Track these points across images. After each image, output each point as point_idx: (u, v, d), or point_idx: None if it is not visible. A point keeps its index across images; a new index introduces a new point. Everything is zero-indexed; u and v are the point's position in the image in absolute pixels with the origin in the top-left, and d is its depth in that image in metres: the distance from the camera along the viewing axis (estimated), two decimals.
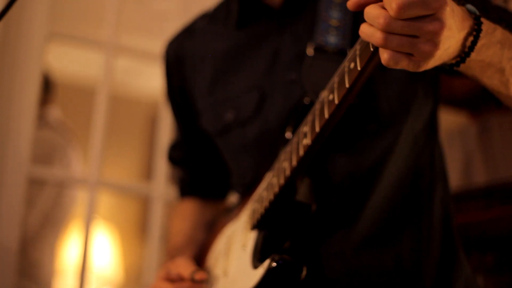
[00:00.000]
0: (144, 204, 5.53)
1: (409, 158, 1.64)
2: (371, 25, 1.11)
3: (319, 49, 1.64)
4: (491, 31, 1.25)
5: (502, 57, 1.28)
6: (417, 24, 1.07)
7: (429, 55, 1.10)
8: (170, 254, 1.92)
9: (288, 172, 1.48)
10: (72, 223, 5.42)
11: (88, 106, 3.30)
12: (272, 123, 1.69)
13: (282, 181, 1.50)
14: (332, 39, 1.65)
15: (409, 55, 1.10)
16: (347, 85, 1.24)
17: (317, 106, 1.39)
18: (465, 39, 1.18)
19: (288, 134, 1.61)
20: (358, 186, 1.61)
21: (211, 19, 1.94)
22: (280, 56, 1.73)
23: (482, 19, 1.20)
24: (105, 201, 5.51)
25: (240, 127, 1.75)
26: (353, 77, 1.22)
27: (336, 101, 1.29)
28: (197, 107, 1.89)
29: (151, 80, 5.82)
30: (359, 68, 1.20)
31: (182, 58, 1.93)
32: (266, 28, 1.78)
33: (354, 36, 1.64)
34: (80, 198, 3.77)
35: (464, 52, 1.19)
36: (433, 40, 1.09)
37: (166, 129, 3.28)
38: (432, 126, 1.72)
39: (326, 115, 1.33)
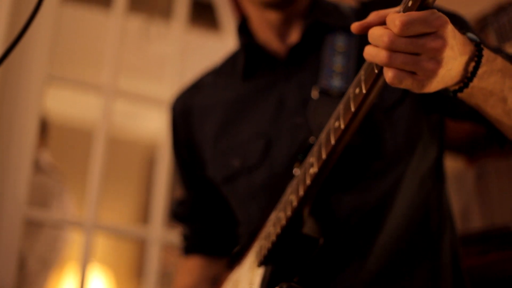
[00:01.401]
0: (140, 246, 5.51)
1: (417, 199, 1.65)
2: (375, 46, 1.14)
3: (323, 92, 1.67)
4: (492, 59, 1.27)
5: (503, 85, 1.30)
6: (420, 41, 1.10)
7: (433, 73, 1.13)
8: None
9: (295, 203, 1.48)
10: (68, 265, 5.41)
11: (86, 149, 3.31)
12: (278, 167, 1.70)
13: (289, 213, 1.50)
14: (336, 83, 1.68)
15: (412, 74, 1.12)
16: (352, 109, 1.27)
17: (322, 135, 1.41)
18: (467, 64, 1.21)
19: (295, 171, 1.62)
20: (365, 223, 1.62)
21: (217, 74, 1.97)
22: (285, 103, 1.75)
23: (483, 46, 1.23)
24: (101, 243, 5.48)
25: (247, 174, 1.76)
26: (359, 101, 1.25)
27: (342, 126, 1.31)
28: (203, 157, 1.90)
29: (149, 123, 5.85)
30: (364, 91, 1.22)
31: (190, 111, 1.95)
32: (272, 78, 1.81)
33: None
34: (76, 241, 3.76)
35: (467, 78, 1.22)
36: (436, 58, 1.12)
37: (163, 171, 3.28)
38: (438, 170, 1.73)
39: (333, 141, 1.35)
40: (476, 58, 1.21)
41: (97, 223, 3.06)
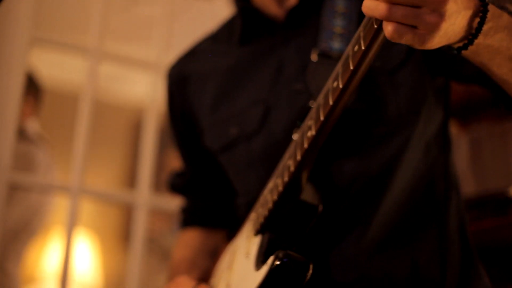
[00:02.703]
0: (126, 211, 5.49)
1: (422, 166, 1.61)
2: None
3: (323, 55, 1.62)
4: (497, 15, 1.22)
5: (510, 43, 1.25)
6: None
7: (435, 26, 1.08)
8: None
9: (292, 168, 1.43)
10: (53, 229, 5.39)
11: (72, 113, 3.26)
12: (278, 134, 1.65)
13: (286, 178, 1.45)
14: (337, 45, 1.62)
15: (413, 28, 1.08)
16: (351, 67, 1.21)
17: (321, 97, 1.36)
18: (471, 19, 1.16)
19: (295, 136, 1.56)
20: (367, 190, 1.57)
21: (214, 40, 1.92)
22: (284, 68, 1.70)
23: (488, 1, 1.18)
24: (87, 208, 5.46)
25: (245, 142, 1.71)
26: (358, 58, 1.20)
27: (341, 86, 1.26)
28: (200, 127, 1.85)
29: (136, 86, 5.79)
30: (363, 48, 1.17)
31: (186, 79, 1.90)
32: (269, 42, 1.76)
33: None
34: (61, 205, 3.72)
35: (471, 34, 1.17)
36: (439, 10, 1.07)
37: (150, 135, 3.24)
38: (444, 136, 1.69)
39: (331, 102, 1.29)
40: (481, 14, 1.16)
41: (83, 188, 3.02)
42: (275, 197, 1.49)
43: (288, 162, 1.46)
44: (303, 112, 1.55)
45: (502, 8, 1.39)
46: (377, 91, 1.58)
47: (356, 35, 1.21)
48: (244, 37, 1.80)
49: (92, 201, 5.05)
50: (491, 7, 1.17)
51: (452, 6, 1.08)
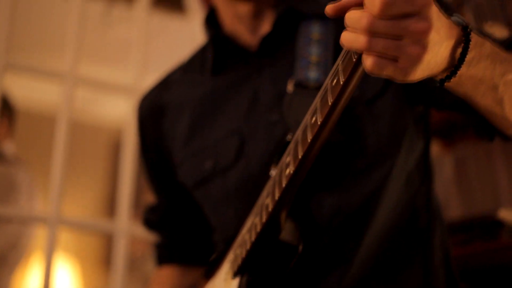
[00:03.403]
0: (107, 237, 5.42)
1: (404, 198, 1.55)
2: (353, 30, 1.02)
3: (299, 85, 1.55)
4: (480, 44, 1.16)
5: (493, 72, 1.19)
6: (402, 23, 0.99)
7: (417, 58, 1.01)
8: None
9: (270, 208, 1.35)
10: (34, 255, 5.31)
11: (49, 136, 3.20)
12: (254, 168, 1.59)
13: (264, 218, 1.37)
14: (313, 74, 1.56)
15: (395, 61, 1.01)
16: (330, 102, 1.13)
17: (299, 132, 1.28)
18: (454, 49, 1.10)
19: (272, 172, 1.49)
20: (348, 226, 1.51)
21: (186, 69, 1.85)
22: (259, 98, 1.64)
23: (473, 33, 1.12)
24: (66, 235, 5.38)
25: (220, 176, 1.64)
26: (336, 92, 1.11)
27: (319, 121, 1.17)
28: (174, 161, 1.78)
29: (113, 109, 5.74)
30: (341, 82, 1.09)
31: (158, 111, 1.83)
32: (243, 71, 1.70)
33: None
34: (41, 231, 3.66)
35: (454, 65, 1.11)
36: (421, 42, 1.01)
37: (128, 161, 3.17)
38: (425, 165, 1.64)
39: (309, 138, 1.21)
40: (463, 43, 1.10)
41: (61, 218, 2.95)
42: (253, 238, 1.41)
43: (266, 200, 1.39)
44: (280, 145, 1.50)
45: (484, 35, 1.35)
46: (355, 122, 1.52)
47: (334, 68, 1.14)
48: (217, 67, 1.74)
49: (70, 230, 4.99)
50: (473, 36, 1.12)
51: (435, 37, 1.03)
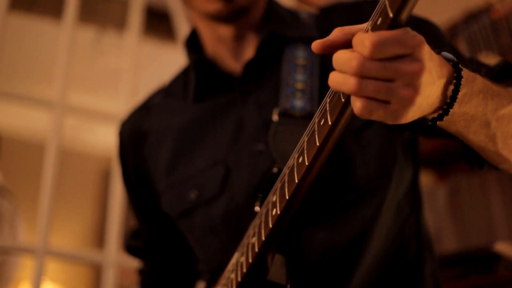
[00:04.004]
0: (96, 268, 5.36)
1: (393, 229, 1.51)
2: (341, 71, 0.98)
3: (284, 114, 1.51)
4: (471, 79, 1.12)
5: (486, 108, 1.16)
6: (394, 65, 0.94)
7: (409, 101, 0.96)
8: None
9: (257, 248, 1.31)
10: (21, 285, 5.24)
11: (38, 165, 3.16)
12: (239, 199, 1.54)
13: (250, 259, 1.33)
14: (299, 103, 1.52)
15: (385, 103, 0.97)
16: (317, 143, 1.09)
17: (285, 171, 1.23)
18: (445, 87, 1.05)
19: (257, 208, 1.45)
20: (338, 263, 1.46)
21: (167, 94, 1.79)
22: (244, 126, 1.59)
23: (461, 66, 1.08)
24: (55, 264, 5.32)
25: (205, 207, 1.59)
26: (324, 133, 1.08)
27: (307, 163, 1.13)
28: (156, 190, 1.73)
29: (103, 139, 5.69)
30: (330, 123, 1.05)
31: (139, 136, 1.78)
32: (227, 98, 1.65)
33: (322, 97, 1.49)
34: (28, 262, 3.60)
35: (447, 103, 1.07)
36: (413, 84, 0.96)
37: (118, 192, 3.13)
38: (415, 193, 1.59)
39: (296, 179, 1.17)
40: (454, 80, 1.06)
41: (48, 249, 2.89)
42: (239, 278, 1.36)
43: (252, 240, 1.34)
44: (265, 176, 1.47)
45: (477, 64, 1.31)
46: (344, 153, 1.48)
47: (321, 106, 1.10)
48: (199, 93, 1.69)
49: (59, 261, 4.93)
50: (464, 72, 1.09)
51: (427, 77, 0.98)
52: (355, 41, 0.95)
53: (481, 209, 2.41)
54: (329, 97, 1.07)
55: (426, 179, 2.71)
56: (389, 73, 0.94)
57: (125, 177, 1.84)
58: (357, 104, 0.96)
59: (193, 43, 1.74)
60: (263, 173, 1.50)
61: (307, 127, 1.30)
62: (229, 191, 1.56)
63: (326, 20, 1.66)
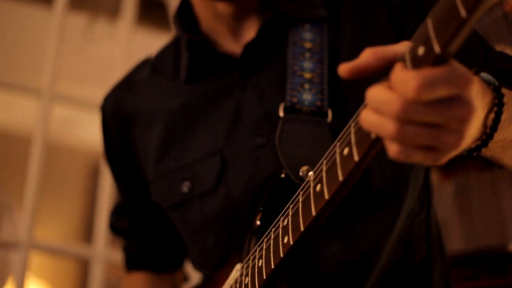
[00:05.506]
0: (83, 263, 5.29)
1: (403, 231, 1.40)
2: (376, 111, 0.84)
3: (291, 109, 1.37)
4: (510, 102, 1.01)
5: None
6: (442, 109, 0.80)
7: (454, 147, 0.83)
8: None
9: (264, 276, 1.18)
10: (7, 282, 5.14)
11: (24, 160, 3.07)
12: (237, 196, 1.42)
13: (256, 285, 1.21)
14: (306, 96, 1.38)
15: (426, 149, 0.84)
16: (340, 178, 0.96)
17: (300, 198, 1.10)
18: (486, 117, 0.95)
19: (257, 222, 1.33)
20: (349, 277, 1.35)
21: (155, 70, 1.64)
22: (242, 115, 1.46)
23: (503, 90, 0.98)
24: (40, 259, 5.22)
25: (198, 201, 1.48)
26: (349, 169, 0.94)
27: (327, 197, 1.00)
28: (145, 175, 1.61)
29: (93, 131, 5.60)
30: (356, 159, 0.92)
31: (125, 118, 1.64)
32: (223, 82, 1.51)
33: (332, 90, 1.39)
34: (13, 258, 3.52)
35: (486, 134, 0.97)
36: (461, 128, 0.82)
37: (107, 185, 3.05)
38: (426, 189, 1.48)
39: (313, 212, 1.04)
40: (496, 108, 0.96)
41: (34, 242, 2.80)
42: None
43: (259, 263, 1.21)
44: (270, 181, 1.34)
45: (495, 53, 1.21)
46: None
47: (345, 134, 0.96)
48: (192, 74, 1.55)
49: (46, 255, 4.85)
50: (506, 96, 0.98)
51: (475, 119, 0.85)
52: (396, 79, 0.82)
53: (491, 207, 2.33)
54: (355, 126, 0.93)
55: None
56: (435, 118, 0.81)
57: (108, 156, 1.73)
58: (393, 148, 0.84)
59: (184, 16, 1.59)
60: (264, 172, 1.38)
61: (315, 125, 1.19)
62: (225, 187, 1.45)
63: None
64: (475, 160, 2.34)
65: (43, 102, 2.90)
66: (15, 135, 5.53)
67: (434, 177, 2.58)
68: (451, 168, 2.51)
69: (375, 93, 0.84)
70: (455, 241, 2.37)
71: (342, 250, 1.35)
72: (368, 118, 0.85)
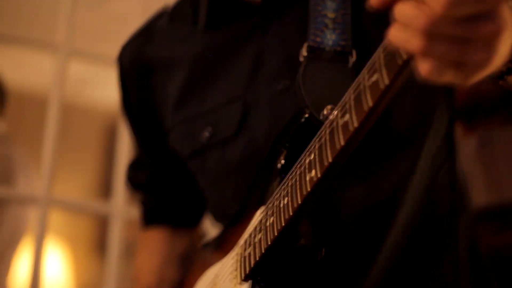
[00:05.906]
0: (100, 219, 5.32)
1: (426, 181, 1.37)
2: (404, 26, 0.83)
3: (314, 50, 1.35)
4: None
5: None
6: (471, 25, 0.80)
7: (484, 64, 0.83)
8: None
9: (290, 213, 1.16)
10: (24, 238, 5.18)
11: (42, 119, 3.06)
12: (259, 141, 1.41)
13: (282, 223, 1.18)
14: (329, 36, 1.35)
15: (456, 66, 0.83)
16: (370, 104, 0.94)
17: (326, 130, 1.08)
18: None
19: (281, 162, 1.31)
20: (372, 223, 1.33)
21: (173, 17, 1.62)
22: (264, 61, 1.44)
23: None
24: (58, 217, 5.25)
25: (219, 147, 1.46)
26: (378, 94, 0.92)
27: (356, 125, 0.98)
28: (164, 123, 1.60)
29: (109, 88, 5.59)
30: (387, 82, 0.90)
31: (142, 65, 1.62)
32: (244, 27, 1.48)
33: (356, 30, 1.36)
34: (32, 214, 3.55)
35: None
36: (490, 45, 0.82)
37: (125, 141, 3.05)
38: (450, 139, 1.46)
39: (342, 142, 1.02)
40: None
41: (52, 198, 2.84)
42: (269, 241, 1.22)
43: (284, 202, 1.19)
44: (293, 123, 1.32)
45: None
46: None
47: (373, 62, 0.94)
48: (212, 20, 1.52)
49: (64, 212, 4.88)
50: None
51: (505, 35, 0.84)
52: None
53: None
54: (383, 51, 0.91)
55: None
56: (465, 33, 0.81)
57: (127, 108, 1.71)
58: (425, 66, 0.82)
59: None
60: (287, 116, 1.34)
61: (339, 64, 1.15)
62: (247, 133, 1.43)
63: None
64: (498, 114, 2.31)
65: (59, 57, 2.89)
66: (30, 94, 5.53)
67: (457, 131, 2.56)
68: (473, 123, 2.47)
69: (404, 8, 0.83)
70: (478, 194, 2.34)
71: (366, 193, 1.34)
72: (396, 33, 0.84)
